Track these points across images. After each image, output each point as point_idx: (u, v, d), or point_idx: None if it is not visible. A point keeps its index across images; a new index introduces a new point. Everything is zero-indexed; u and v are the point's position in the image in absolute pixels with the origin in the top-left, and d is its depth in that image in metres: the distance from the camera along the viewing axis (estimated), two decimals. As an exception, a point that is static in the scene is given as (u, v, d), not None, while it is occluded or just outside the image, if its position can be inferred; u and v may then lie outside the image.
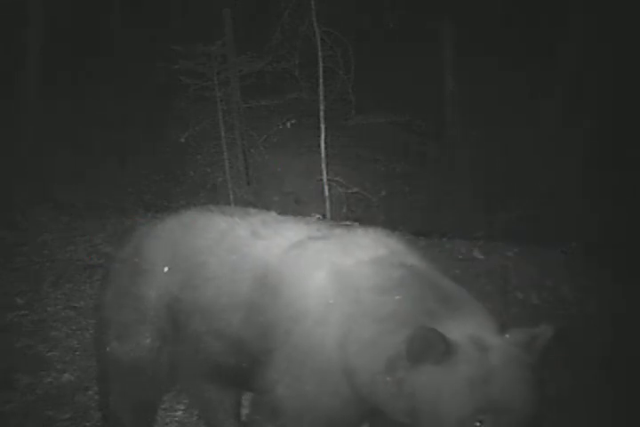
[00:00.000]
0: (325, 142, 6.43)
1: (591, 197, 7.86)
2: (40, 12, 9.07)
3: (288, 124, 8.52)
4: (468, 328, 2.21)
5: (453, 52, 10.22)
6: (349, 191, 6.75)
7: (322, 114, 6.41)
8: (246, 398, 3.48)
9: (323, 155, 6.44)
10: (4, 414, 3.80)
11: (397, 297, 2.31)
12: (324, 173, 6.50)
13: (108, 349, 2.82)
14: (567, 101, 9.25)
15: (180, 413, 3.80)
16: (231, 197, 7.38)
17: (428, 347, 2.09)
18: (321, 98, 6.40)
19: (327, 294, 2.41)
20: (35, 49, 9.12)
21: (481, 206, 8.47)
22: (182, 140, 7.78)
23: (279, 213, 2.91)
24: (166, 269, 2.72)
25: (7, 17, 9.02)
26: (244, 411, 3.35)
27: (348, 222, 2.86)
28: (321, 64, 6.37)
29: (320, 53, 6.33)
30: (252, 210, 2.93)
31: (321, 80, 6.38)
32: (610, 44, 8.43)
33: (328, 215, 6.54)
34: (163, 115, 9.91)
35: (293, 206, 8.30)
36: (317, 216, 6.49)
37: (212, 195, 8.57)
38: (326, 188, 6.58)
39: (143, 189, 9.06)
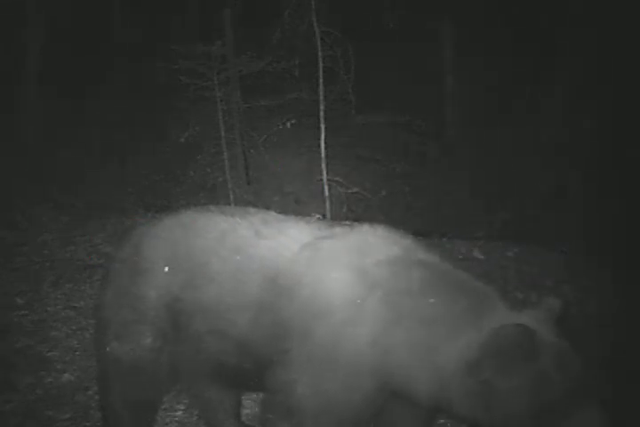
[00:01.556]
0: (325, 142, 6.43)
1: (591, 197, 7.85)
2: (40, 11, 9.07)
3: (288, 124, 8.53)
4: (509, 317, 2.30)
5: (453, 52, 10.23)
6: (349, 191, 6.75)
7: (322, 114, 6.41)
8: (246, 398, 3.49)
9: (323, 155, 6.44)
10: (4, 414, 3.80)
11: (431, 300, 2.37)
12: (324, 173, 6.50)
13: (108, 349, 2.81)
14: (567, 101, 9.25)
15: (180, 413, 3.80)
16: (231, 197, 7.38)
17: (519, 345, 2.17)
18: (321, 98, 6.40)
19: (353, 294, 2.43)
20: (35, 49, 9.12)
21: (481, 206, 8.46)
22: (182, 140, 7.80)
23: (279, 213, 2.91)
24: (167, 268, 2.72)
25: (7, 17, 9.02)
26: (244, 411, 3.36)
27: (347, 222, 2.86)
28: (321, 64, 6.37)
29: (320, 53, 6.33)
30: (251, 209, 2.93)
31: (321, 80, 6.38)
32: (610, 44, 8.43)
33: (328, 215, 6.54)
34: (163, 115, 9.91)
35: (293, 206, 8.30)
36: (317, 216, 6.49)
37: (211, 195, 8.57)
38: (326, 188, 6.58)
39: (143, 189, 9.05)
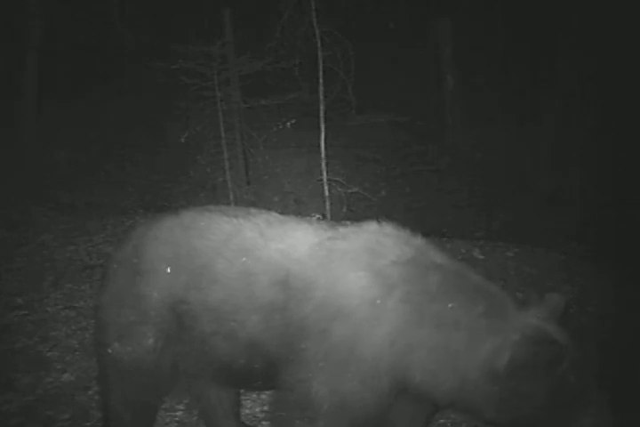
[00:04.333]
0: (325, 142, 6.43)
1: (591, 197, 7.85)
2: (40, 11, 9.07)
3: (288, 124, 8.52)
4: (526, 321, 2.39)
5: (453, 52, 10.23)
6: (349, 191, 6.73)
7: (322, 114, 6.40)
8: (246, 398, 3.48)
9: (323, 155, 6.44)
10: (4, 414, 3.80)
11: (450, 305, 2.41)
12: (324, 173, 6.50)
13: (109, 350, 2.81)
14: (567, 101, 9.24)
15: (180, 413, 3.80)
16: (231, 197, 7.37)
17: (551, 360, 2.28)
18: (321, 98, 6.39)
19: (371, 294, 2.45)
20: (34, 49, 9.12)
21: (481, 206, 8.46)
22: (182, 140, 7.77)
23: (279, 213, 2.90)
24: (168, 269, 2.71)
25: (7, 17, 9.03)
26: (243, 411, 3.35)
27: (348, 222, 2.86)
28: (321, 64, 6.36)
29: (320, 53, 6.33)
30: (252, 210, 2.92)
31: (321, 80, 6.37)
32: (611, 43, 8.42)
33: (328, 215, 6.54)
34: (163, 115, 9.91)
35: (293, 206, 8.30)
36: (317, 216, 6.49)
37: (211, 195, 8.56)
38: (326, 188, 6.58)
39: (143, 189, 9.06)
